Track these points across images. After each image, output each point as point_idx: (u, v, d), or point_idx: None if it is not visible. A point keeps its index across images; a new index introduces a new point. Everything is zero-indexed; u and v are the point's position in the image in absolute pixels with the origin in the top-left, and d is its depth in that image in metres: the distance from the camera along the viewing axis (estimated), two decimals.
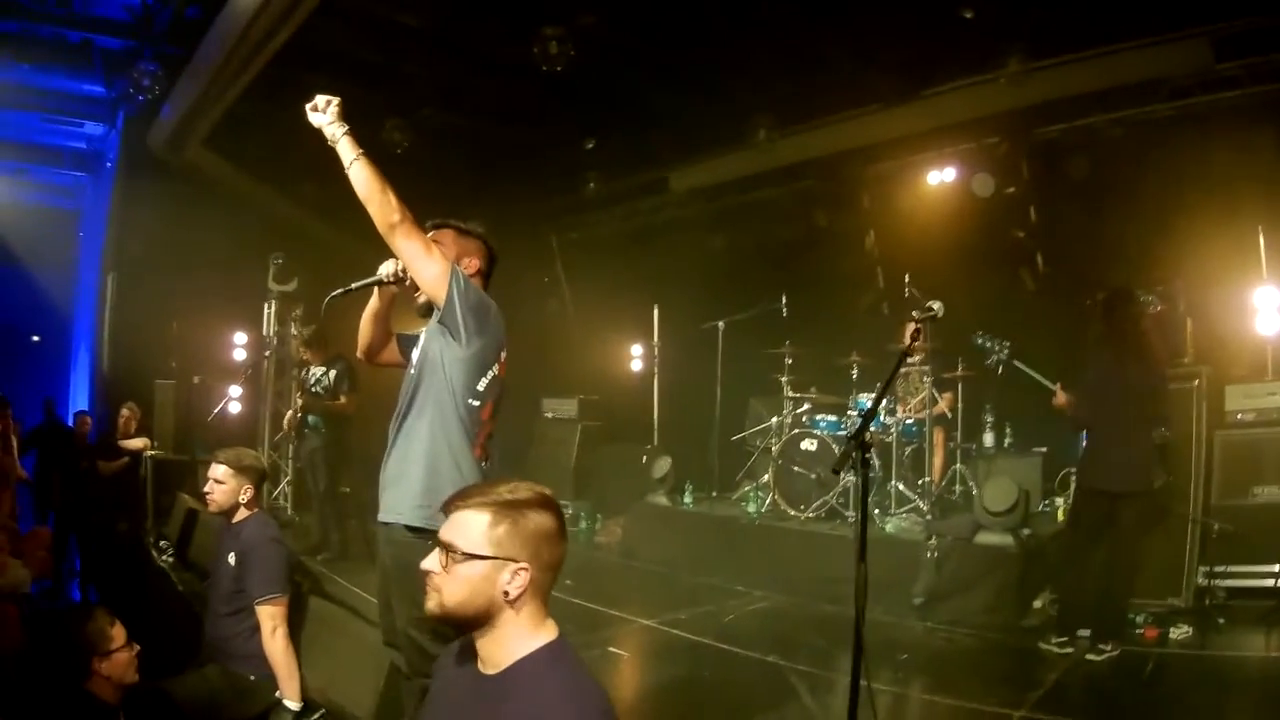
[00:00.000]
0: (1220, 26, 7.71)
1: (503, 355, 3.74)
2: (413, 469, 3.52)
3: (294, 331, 11.17)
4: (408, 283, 3.76)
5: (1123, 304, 6.41)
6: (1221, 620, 6.43)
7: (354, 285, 3.96)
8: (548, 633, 2.14)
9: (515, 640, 2.11)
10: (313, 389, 9.01)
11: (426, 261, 3.53)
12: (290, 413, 9.36)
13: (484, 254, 4.01)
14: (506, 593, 2.07)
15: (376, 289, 3.99)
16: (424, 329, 3.75)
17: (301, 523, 10.28)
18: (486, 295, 3.74)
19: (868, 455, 3.63)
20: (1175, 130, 8.38)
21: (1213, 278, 7.70)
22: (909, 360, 8.68)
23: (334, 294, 3.97)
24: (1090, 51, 8.26)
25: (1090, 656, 5.90)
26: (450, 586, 2.09)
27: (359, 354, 4.17)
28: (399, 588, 3.46)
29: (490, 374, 3.65)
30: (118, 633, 3.90)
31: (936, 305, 4.19)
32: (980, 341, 7.53)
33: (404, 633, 3.43)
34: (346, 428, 9.14)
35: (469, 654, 2.21)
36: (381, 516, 3.57)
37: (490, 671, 2.14)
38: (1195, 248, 7.64)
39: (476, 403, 3.59)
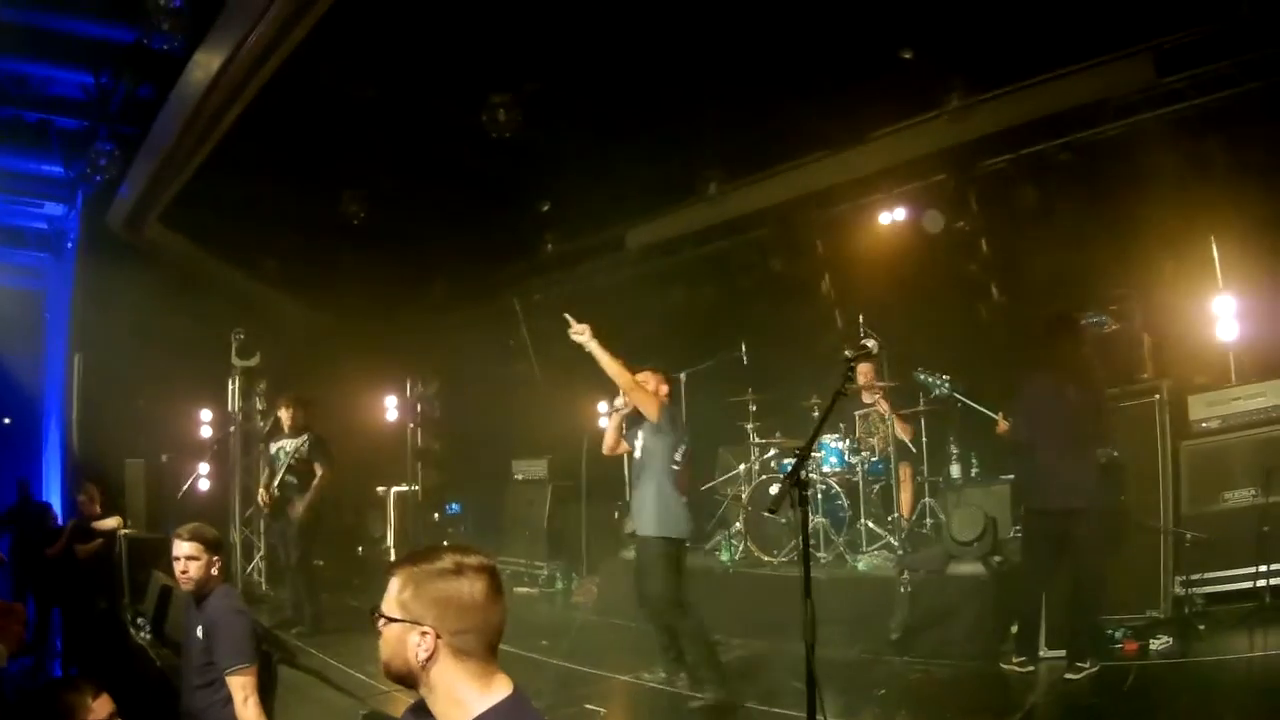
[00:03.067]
0: (1162, 41, 7.88)
1: (687, 441, 6.63)
2: (647, 504, 6.43)
3: (258, 405, 11.13)
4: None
5: (1063, 328, 6.53)
6: (1202, 627, 6.47)
7: (613, 412, 6.92)
8: (497, 692, 2.14)
9: (461, 700, 2.12)
10: (290, 459, 8.95)
11: (647, 402, 6.42)
12: (262, 489, 9.23)
13: (668, 379, 6.98)
14: (417, 655, 2.11)
15: (616, 414, 6.85)
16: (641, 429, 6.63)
17: (276, 597, 10.19)
18: (672, 405, 6.74)
19: (807, 493, 3.70)
20: (1123, 148, 8.49)
21: (1169, 291, 7.83)
22: (865, 400, 8.79)
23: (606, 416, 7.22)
24: (1032, 80, 8.45)
25: (1068, 676, 5.92)
26: (383, 647, 2.16)
27: (606, 450, 7.13)
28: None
29: (682, 449, 6.54)
30: (100, 705, 3.84)
31: (871, 343, 4.28)
32: (921, 377, 7.61)
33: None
34: (323, 500, 9.10)
35: (422, 713, 2.21)
36: (637, 530, 6.66)
37: None
38: (1150, 263, 7.79)
39: (677, 467, 6.48)
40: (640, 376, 6.46)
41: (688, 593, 6.56)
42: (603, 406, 6.33)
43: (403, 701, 2.36)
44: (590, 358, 6.34)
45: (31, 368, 14.35)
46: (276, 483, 8.99)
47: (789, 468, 8.84)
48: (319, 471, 8.91)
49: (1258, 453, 6.90)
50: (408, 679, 2.15)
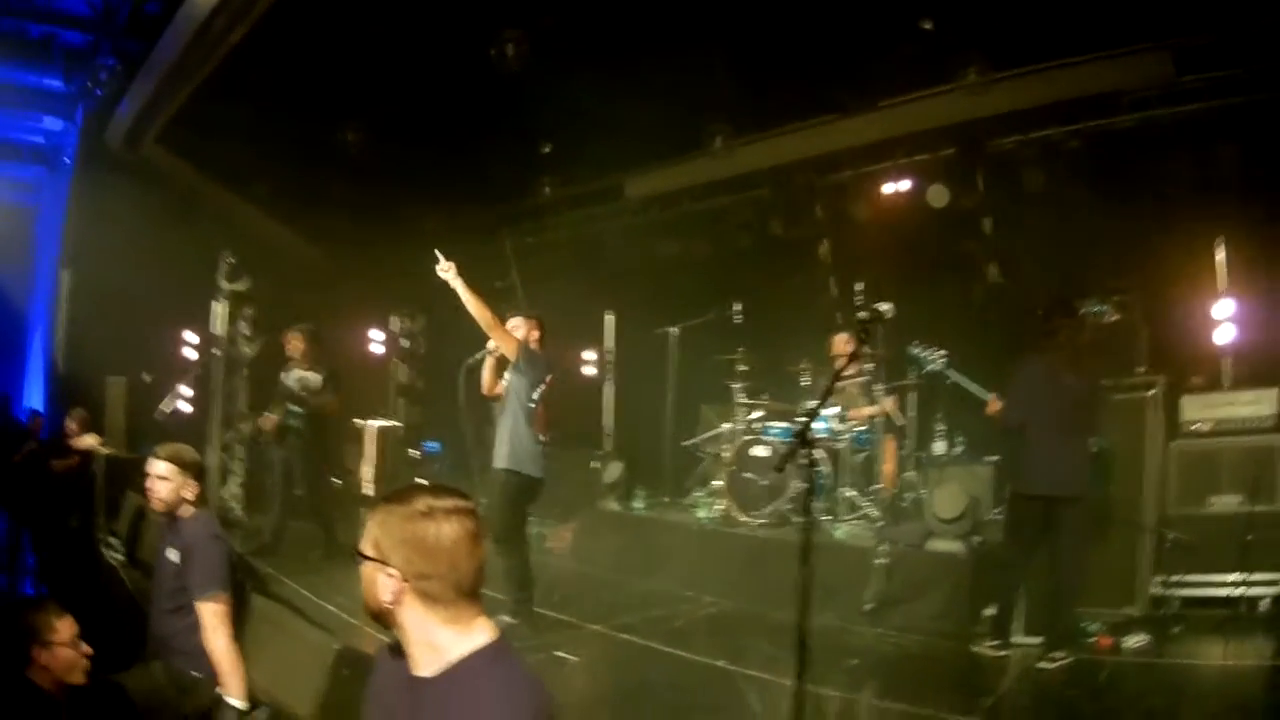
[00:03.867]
0: (1183, 40, 7.80)
1: (547, 379, 7.04)
2: (503, 439, 6.82)
3: (244, 331, 11.01)
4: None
5: (1062, 313, 6.48)
6: (1177, 629, 6.47)
7: (479, 356, 7.10)
8: (480, 636, 2.12)
9: (437, 642, 2.10)
10: (297, 390, 9.05)
11: (505, 340, 6.71)
12: (272, 416, 9.22)
13: (540, 325, 7.25)
14: (385, 597, 2.09)
15: (489, 356, 7.01)
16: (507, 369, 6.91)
17: (252, 523, 10.14)
18: (535, 350, 7.02)
19: (813, 455, 3.62)
20: (1134, 142, 8.43)
21: (1171, 289, 7.79)
22: (858, 367, 8.73)
23: (470, 361, 7.19)
24: (1049, 63, 8.33)
25: (1042, 664, 5.91)
26: (364, 587, 2.15)
27: (485, 391, 7.31)
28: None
29: (540, 389, 6.91)
30: (64, 626, 3.81)
31: (885, 306, 4.17)
32: (914, 352, 7.57)
33: None
34: (327, 431, 9.25)
35: (399, 653, 2.19)
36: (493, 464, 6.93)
37: (423, 673, 2.11)
38: (1153, 259, 7.73)
39: (534, 405, 6.86)
40: (513, 322, 6.96)
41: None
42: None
43: (374, 638, 2.32)
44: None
45: (20, 283, 14.19)
46: (283, 411, 9.09)
47: (773, 430, 8.89)
48: (331, 400, 9.09)
49: (1246, 460, 6.88)
50: (380, 618, 2.14)
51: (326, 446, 9.37)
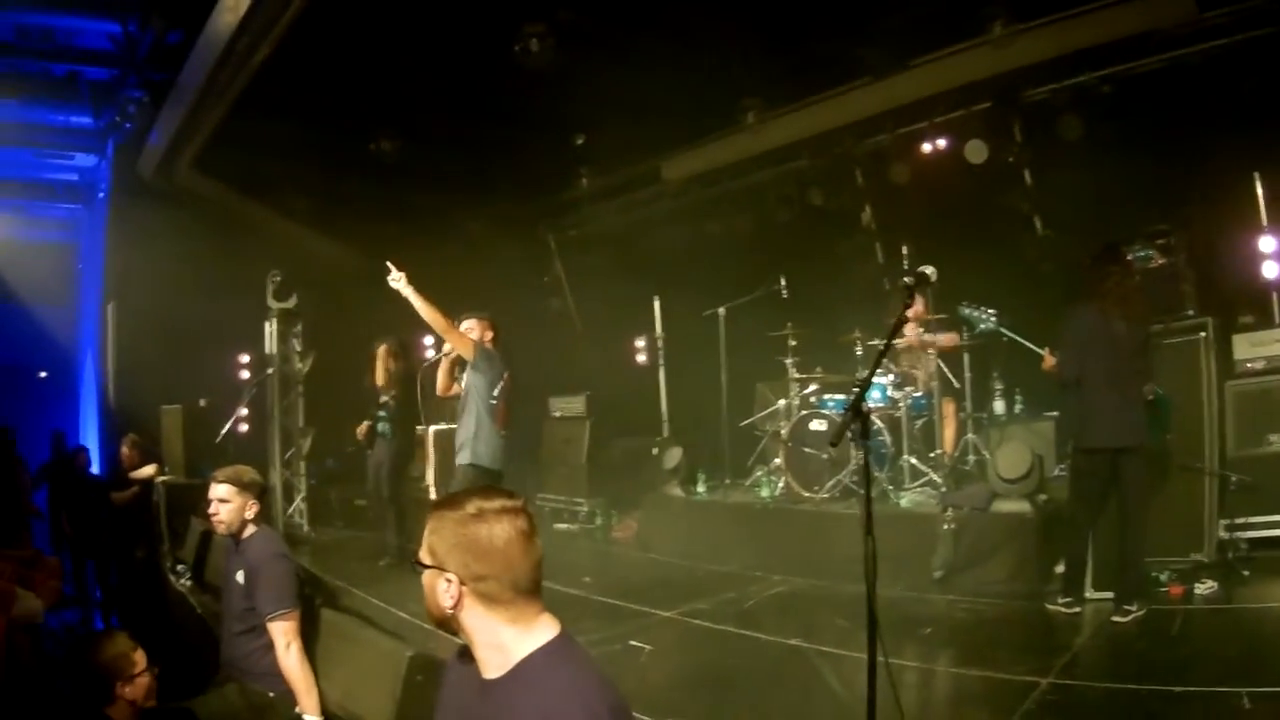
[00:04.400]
0: None
1: (505, 376, 7.10)
2: (466, 435, 6.99)
3: (296, 347, 11.15)
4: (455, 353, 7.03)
5: (1110, 260, 6.33)
6: (1246, 572, 6.36)
7: (434, 358, 7.39)
8: (543, 633, 2.13)
9: (502, 643, 2.12)
10: (385, 400, 9.27)
11: (459, 342, 6.88)
12: (365, 423, 9.46)
13: (493, 326, 7.30)
14: (445, 602, 2.12)
15: (444, 359, 7.19)
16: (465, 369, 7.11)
17: (319, 540, 10.28)
18: (491, 349, 7.09)
19: (869, 425, 3.58)
20: (1164, 83, 8.28)
21: (1213, 228, 7.63)
22: (907, 330, 8.63)
23: (425, 364, 7.62)
24: (1073, 11, 8.17)
25: (1116, 619, 5.84)
26: (425, 594, 2.19)
27: (439, 392, 7.36)
28: None
29: (499, 386, 7.04)
30: (139, 657, 3.88)
31: (929, 269, 4.11)
32: (966, 312, 7.47)
33: None
34: (412, 437, 9.45)
35: (468, 657, 2.21)
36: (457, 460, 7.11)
37: (491, 675, 2.13)
38: (1193, 199, 7.57)
39: (495, 402, 6.99)
40: (466, 324, 7.13)
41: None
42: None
43: (447, 642, 2.33)
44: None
45: (65, 320, 14.51)
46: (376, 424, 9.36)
47: (830, 403, 8.84)
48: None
49: None
50: (444, 625, 2.17)
51: (411, 452, 9.49)
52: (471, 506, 2.15)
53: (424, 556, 2.16)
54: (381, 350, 9.43)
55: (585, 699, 2.01)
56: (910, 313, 7.96)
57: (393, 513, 9.16)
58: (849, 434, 3.57)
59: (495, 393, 7.03)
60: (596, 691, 2.04)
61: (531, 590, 2.15)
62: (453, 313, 6.77)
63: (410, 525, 8.78)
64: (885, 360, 8.67)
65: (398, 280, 6.73)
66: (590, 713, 1.98)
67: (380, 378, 9.35)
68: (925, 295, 8.11)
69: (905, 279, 4.31)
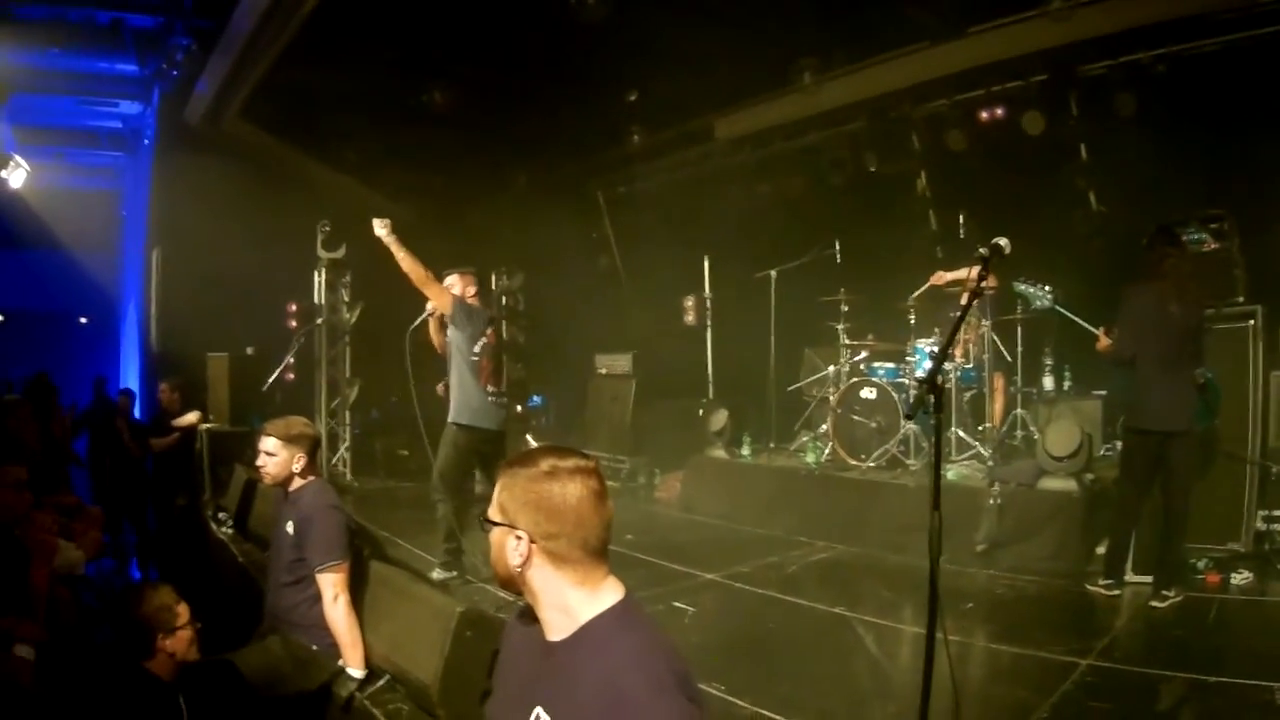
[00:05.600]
0: None
1: (488, 331, 7.11)
2: (452, 391, 7.07)
3: (344, 298, 11.24)
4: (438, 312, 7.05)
5: (1166, 241, 6.30)
6: None
7: (421, 319, 7.18)
8: (609, 596, 2.14)
9: (568, 604, 2.12)
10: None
11: (436, 295, 6.90)
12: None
13: (475, 281, 7.32)
14: (514, 560, 2.12)
15: (430, 317, 7.15)
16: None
17: (362, 489, 10.41)
18: (472, 304, 7.12)
19: (942, 399, 3.58)
20: (1219, 65, 8.14)
21: (1266, 215, 7.49)
22: (963, 302, 8.56)
23: (413, 326, 7.22)
24: None
25: (1154, 604, 5.87)
26: (492, 553, 2.20)
27: (438, 350, 7.29)
28: None
29: (480, 342, 7.00)
30: (182, 610, 3.93)
31: (1003, 241, 4.09)
32: (1022, 288, 7.42)
33: None
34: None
35: (530, 618, 2.23)
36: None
37: (555, 637, 2.14)
38: (1245, 185, 7.42)
39: (476, 358, 6.96)
40: (449, 279, 7.08)
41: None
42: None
43: (496, 599, 2.37)
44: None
45: (108, 267, 14.62)
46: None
47: (880, 371, 8.83)
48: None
49: None
50: (510, 584, 2.18)
51: None
52: (545, 464, 2.15)
53: (494, 513, 2.16)
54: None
55: (651, 666, 2.01)
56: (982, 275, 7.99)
57: None
58: (924, 408, 3.56)
59: (476, 349, 7.00)
60: (662, 659, 2.04)
61: (600, 551, 2.15)
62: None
63: None
64: (937, 330, 8.66)
65: (383, 229, 6.71)
66: (655, 680, 1.98)
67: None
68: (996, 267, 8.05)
69: (981, 250, 4.27)
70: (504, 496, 2.16)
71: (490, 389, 7.06)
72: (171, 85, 11.47)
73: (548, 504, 2.12)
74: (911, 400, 8.08)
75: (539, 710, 2.10)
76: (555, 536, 2.11)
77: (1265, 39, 7.83)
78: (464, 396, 6.98)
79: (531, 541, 2.11)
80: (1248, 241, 7.37)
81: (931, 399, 3.49)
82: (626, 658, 2.03)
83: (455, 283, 7.12)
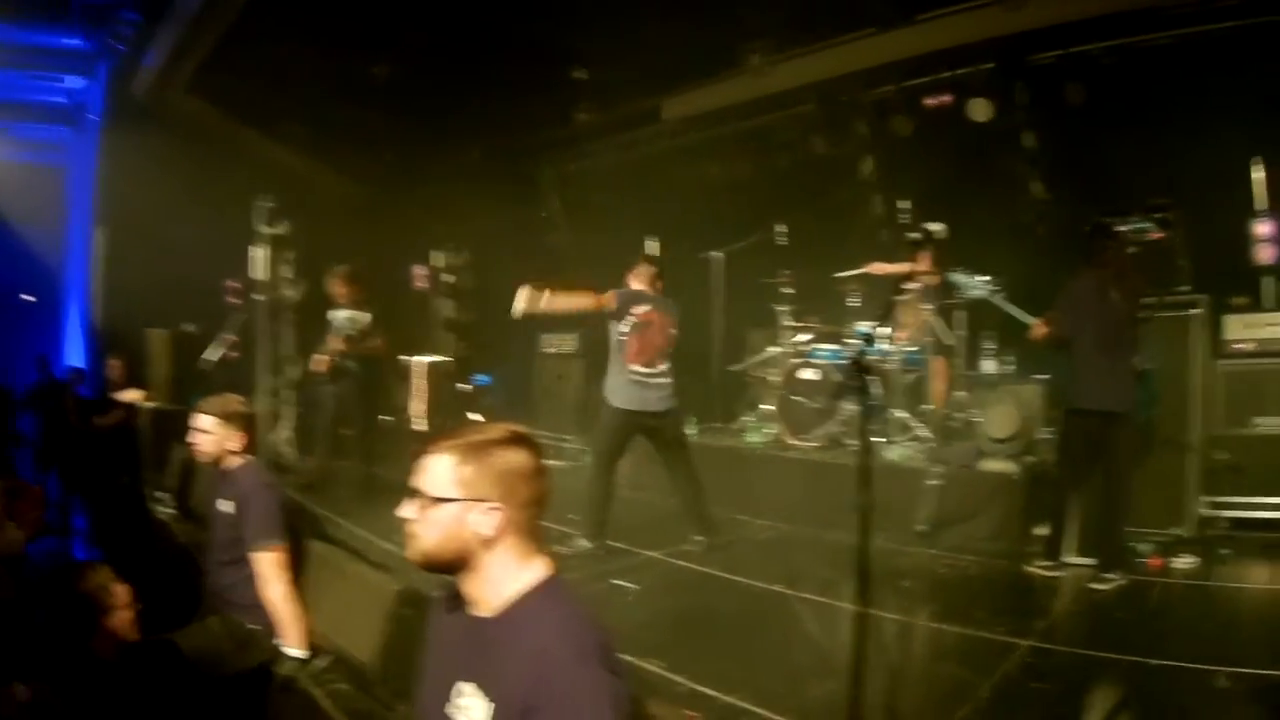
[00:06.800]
0: None
1: (639, 310, 7.17)
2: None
3: (286, 274, 11.06)
4: None
5: (1105, 235, 6.47)
6: (1225, 551, 6.52)
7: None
8: (539, 569, 2.17)
9: (503, 580, 2.14)
10: (346, 332, 9.03)
11: (596, 304, 7.13)
12: (324, 356, 9.20)
13: (646, 263, 7.53)
14: (480, 533, 2.11)
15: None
16: None
17: (305, 469, 10.30)
18: (633, 288, 7.34)
19: (870, 380, 3.61)
20: (1172, 59, 8.27)
21: (1210, 207, 7.64)
22: (908, 285, 8.66)
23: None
24: None
25: (1095, 585, 5.95)
26: (426, 532, 2.14)
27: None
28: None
29: (629, 320, 7.13)
30: (121, 590, 3.88)
31: (937, 226, 4.12)
32: (957, 278, 7.51)
33: None
34: (376, 371, 9.28)
35: (458, 599, 2.23)
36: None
37: (483, 614, 2.16)
38: (1192, 177, 7.55)
39: (621, 338, 7.14)
40: (604, 297, 7.20)
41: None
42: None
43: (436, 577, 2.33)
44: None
45: (53, 244, 14.30)
46: (337, 351, 9.08)
47: (822, 352, 8.89)
48: (378, 343, 9.10)
49: None
50: (455, 563, 2.15)
51: (378, 385, 9.38)
52: (502, 431, 2.17)
53: (448, 491, 2.12)
54: (335, 278, 9.32)
55: (576, 637, 2.05)
56: (914, 268, 8.09)
57: (364, 446, 9.27)
58: (853, 388, 3.59)
59: (624, 327, 7.16)
60: (587, 631, 2.09)
61: (537, 526, 2.19)
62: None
63: (394, 455, 8.86)
64: (880, 313, 8.73)
65: (527, 302, 6.80)
66: (580, 651, 2.02)
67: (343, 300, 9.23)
68: (930, 251, 8.13)
69: (912, 234, 4.30)
70: (467, 471, 2.12)
71: (634, 368, 7.15)
72: (118, 59, 11.26)
73: (520, 471, 2.14)
74: (840, 383, 8.18)
75: (468, 685, 2.12)
76: (529, 504, 2.15)
77: (1218, 34, 7.95)
78: (609, 374, 7.27)
79: (507, 511, 2.12)
80: (1193, 232, 7.51)
81: (862, 379, 3.53)
82: (553, 630, 2.06)
83: (632, 277, 7.43)
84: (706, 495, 7.42)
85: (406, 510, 2.16)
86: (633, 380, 7.11)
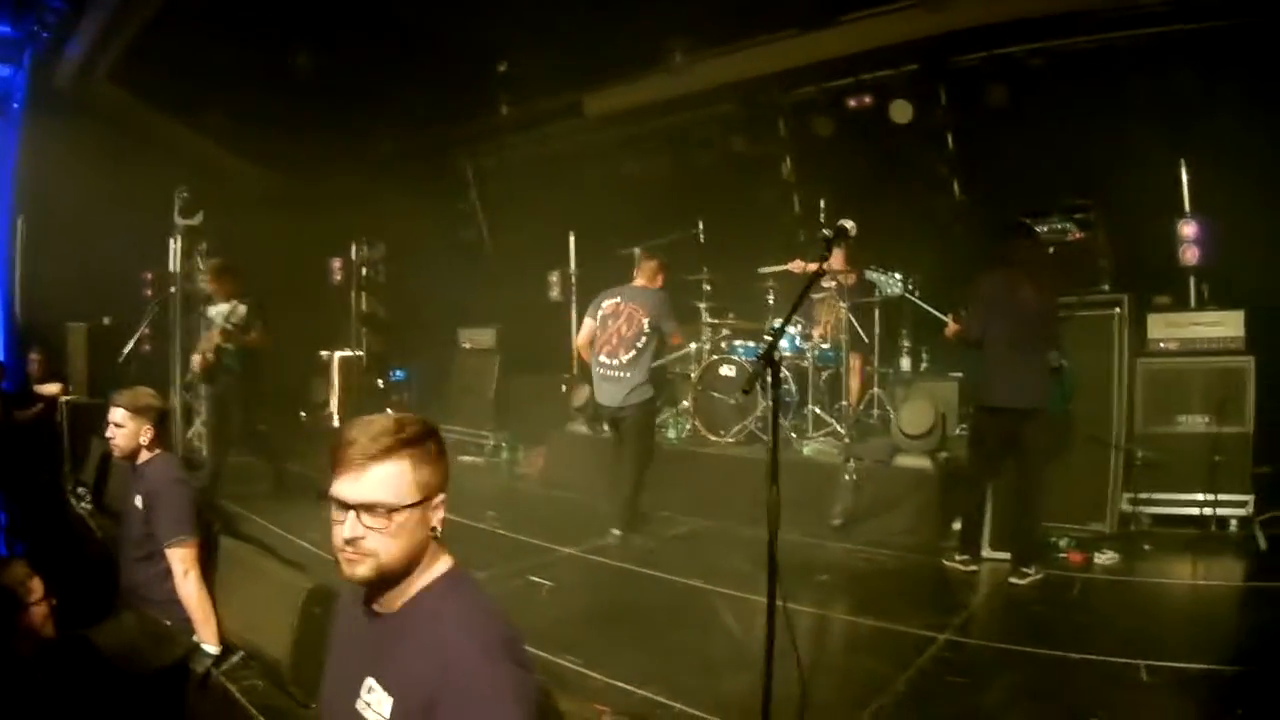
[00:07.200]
0: None
1: (606, 304, 7.45)
2: None
3: (200, 266, 10.80)
4: None
5: (1021, 234, 6.54)
6: (1147, 547, 6.64)
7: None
8: (444, 562, 2.13)
9: (416, 575, 2.10)
10: (225, 326, 8.63)
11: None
12: (199, 355, 8.85)
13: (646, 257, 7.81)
14: (434, 528, 2.08)
15: None
16: None
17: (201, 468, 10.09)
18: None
19: (779, 375, 3.61)
20: (1097, 62, 8.42)
21: (1135, 208, 7.79)
22: (824, 284, 8.74)
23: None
24: None
25: (1013, 580, 6.03)
26: (389, 544, 2.02)
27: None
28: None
29: (598, 317, 7.42)
30: (36, 585, 3.79)
31: (848, 223, 4.12)
32: (872, 275, 7.58)
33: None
34: (262, 365, 8.90)
35: (362, 595, 2.17)
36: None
37: (386, 610, 2.11)
38: (1117, 178, 7.69)
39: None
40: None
41: None
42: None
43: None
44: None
45: None
46: (213, 348, 8.68)
47: (740, 349, 8.91)
48: (255, 335, 8.65)
49: (1214, 381, 7.04)
50: (410, 567, 2.08)
51: (262, 380, 9.09)
52: (422, 423, 2.11)
53: (411, 497, 2.03)
54: (208, 273, 9.03)
55: (480, 631, 2.01)
56: (827, 265, 8.12)
57: (255, 443, 8.98)
58: (759, 383, 3.58)
59: (595, 322, 7.53)
60: (492, 624, 2.04)
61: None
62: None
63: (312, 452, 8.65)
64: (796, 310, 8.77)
65: None
66: (484, 645, 1.97)
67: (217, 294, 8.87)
68: (844, 248, 8.17)
69: (824, 231, 4.31)
70: (424, 472, 2.05)
71: (599, 358, 7.42)
72: (43, 47, 10.89)
73: (447, 469, 2.11)
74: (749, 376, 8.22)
75: (371, 681, 2.06)
76: (443, 503, 2.12)
77: (1144, 40, 8.12)
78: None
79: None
80: (1119, 233, 7.66)
81: (769, 375, 3.52)
82: (457, 624, 2.01)
83: (636, 273, 7.73)
84: (641, 497, 7.51)
85: (351, 529, 2.01)
86: (598, 372, 7.31)
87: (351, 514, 2.00)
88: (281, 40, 10.23)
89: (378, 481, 2.01)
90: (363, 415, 2.18)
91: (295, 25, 10.04)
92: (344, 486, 2.02)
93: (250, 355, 8.72)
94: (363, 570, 2.03)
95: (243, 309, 8.60)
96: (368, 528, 2.00)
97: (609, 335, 7.36)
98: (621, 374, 7.30)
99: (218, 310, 8.75)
